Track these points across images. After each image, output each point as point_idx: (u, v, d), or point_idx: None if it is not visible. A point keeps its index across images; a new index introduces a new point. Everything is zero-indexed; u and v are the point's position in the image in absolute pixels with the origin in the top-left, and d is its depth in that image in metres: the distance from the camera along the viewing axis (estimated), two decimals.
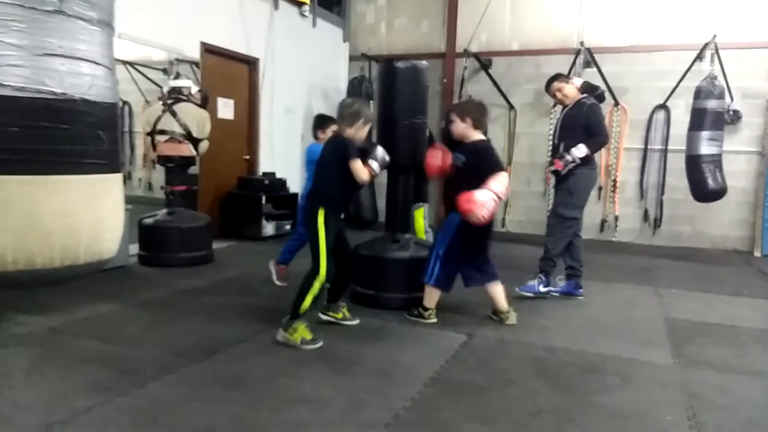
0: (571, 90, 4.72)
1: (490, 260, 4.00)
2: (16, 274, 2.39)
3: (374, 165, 3.56)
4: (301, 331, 3.37)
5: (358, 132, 3.58)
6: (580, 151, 4.53)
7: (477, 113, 3.83)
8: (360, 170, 3.47)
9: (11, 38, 2.28)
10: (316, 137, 4.82)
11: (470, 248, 3.87)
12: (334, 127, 4.67)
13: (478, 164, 3.72)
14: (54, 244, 2.39)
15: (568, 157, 4.54)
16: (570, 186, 4.66)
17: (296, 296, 3.41)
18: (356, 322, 3.86)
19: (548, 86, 4.85)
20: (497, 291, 3.98)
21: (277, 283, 4.78)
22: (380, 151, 3.63)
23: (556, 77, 4.83)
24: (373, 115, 3.69)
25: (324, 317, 3.83)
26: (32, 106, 2.32)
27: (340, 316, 3.84)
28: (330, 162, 3.54)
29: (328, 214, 3.47)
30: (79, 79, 2.41)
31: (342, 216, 3.74)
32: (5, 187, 2.33)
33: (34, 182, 2.36)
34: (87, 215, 2.50)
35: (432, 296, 3.92)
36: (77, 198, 2.45)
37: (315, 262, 3.43)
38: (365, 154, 3.57)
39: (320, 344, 3.37)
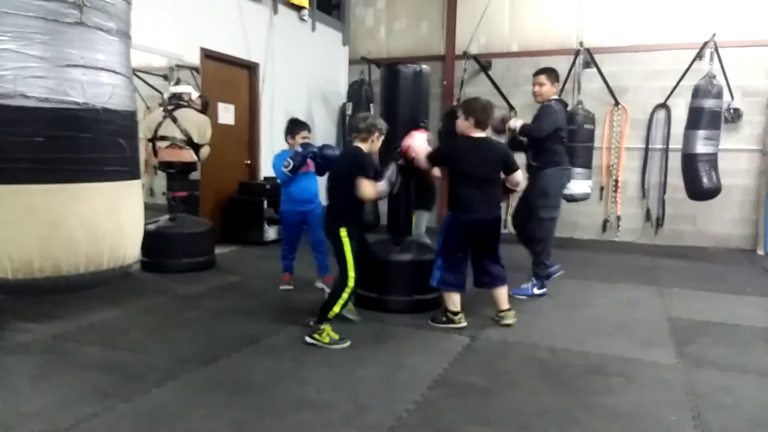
0: (548, 90, 4.78)
1: (497, 261, 3.98)
2: (43, 281, 2.42)
3: (382, 184, 3.58)
4: (329, 333, 3.47)
5: (373, 145, 3.65)
6: (514, 122, 4.74)
7: (481, 113, 3.86)
8: (366, 187, 3.49)
9: (34, 50, 2.31)
10: (287, 142, 4.79)
11: (460, 245, 3.88)
12: (305, 134, 4.69)
13: None
14: (79, 251, 2.42)
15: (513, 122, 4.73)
16: (543, 188, 4.73)
17: (325, 303, 3.52)
18: (358, 318, 3.94)
19: (537, 74, 4.89)
20: (501, 293, 3.99)
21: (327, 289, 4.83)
22: (391, 170, 3.67)
23: (549, 72, 4.85)
24: (386, 127, 3.72)
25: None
26: (56, 117, 2.36)
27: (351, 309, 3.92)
28: (348, 176, 3.55)
29: (351, 228, 3.54)
30: (100, 88, 2.45)
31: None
32: (31, 196, 2.36)
33: (59, 190, 2.40)
34: (110, 222, 2.53)
35: (452, 299, 3.91)
36: (100, 205, 2.49)
37: (343, 272, 3.53)
38: (377, 172, 3.63)
39: (348, 343, 3.46)
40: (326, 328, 3.48)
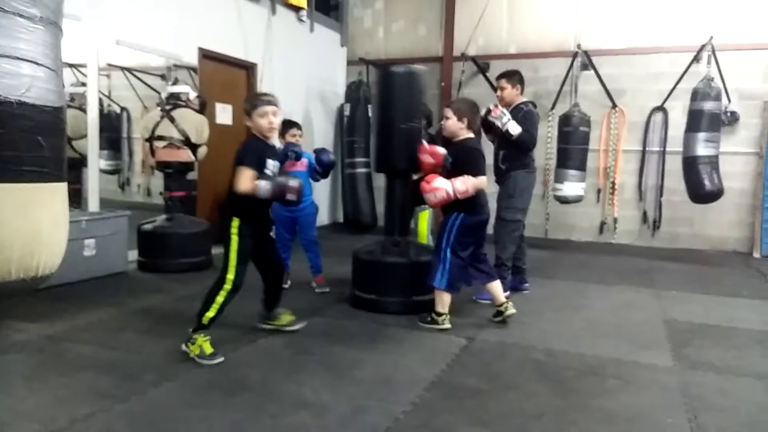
0: (510, 94, 4.74)
1: (486, 259, 4.04)
2: None
3: (262, 185, 3.20)
4: (201, 343, 3.18)
5: (256, 124, 3.33)
6: (515, 127, 4.56)
7: (472, 114, 3.91)
8: (243, 179, 3.17)
9: None
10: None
11: (468, 244, 3.89)
12: (293, 131, 4.67)
13: (462, 163, 3.82)
14: None
15: (505, 119, 4.56)
16: (509, 189, 4.71)
17: (201, 307, 3.26)
18: (301, 325, 3.75)
19: (498, 78, 4.86)
20: (495, 287, 4.02)
21: (317, 290, 4.85)
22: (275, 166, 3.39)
23: (509, 76, 4.79)
24: (266, 99, 3.38)
25: (265, 327, 3.73)
26: None
27: (279, 323, 3.71)
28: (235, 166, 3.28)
29: (242, 222, 3.28)
30: (15, 80, 2.18)
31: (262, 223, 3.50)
32: None
33: None
34: (21, 227, 2.27)
35: (443, 300, 3.89)
36: (10, 208, 2.22)
37: (222, 271, 3.30)
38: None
39: (220, 359, 3.16)
40: (198, 337, 3.18)
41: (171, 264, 5.41)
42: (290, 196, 3.25)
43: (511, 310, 3.98)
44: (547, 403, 2.81)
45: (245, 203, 3.26)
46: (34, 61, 2.30)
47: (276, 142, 3.53)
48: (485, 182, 3.82)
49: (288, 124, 4.72)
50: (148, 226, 5.53)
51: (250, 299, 4.35)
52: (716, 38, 7.09)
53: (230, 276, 3.25)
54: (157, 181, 6.02)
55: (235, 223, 3.27)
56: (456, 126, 3.88)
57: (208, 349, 3.18)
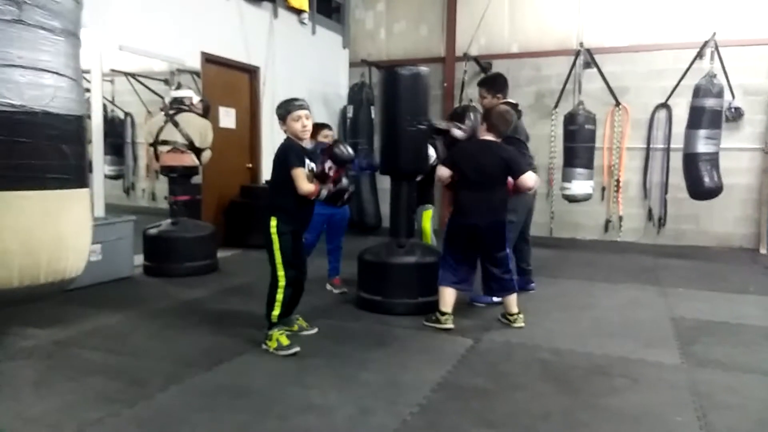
0: (489, 102, 4.59)
1: (502, 267, 3.94)
2: None
3: (324, 192, 3.44)
4: (277, 337, 3.41)
5: (291, 129, 3.47)
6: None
7: (496, 120, 3.91)
8: (302, 180, 3.35)
9: None
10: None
11: (457, 247, 3.93)
12: (326, 132, 4.75)
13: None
14: (12, 263, 2.22)
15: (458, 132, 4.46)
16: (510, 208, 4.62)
17: (266, 309, 3.46)
18: (314, 331, 3.81)
19: (479, 85, 4.80)
20: (510, 298, 4.00)
21: (335, 291, 4.87)
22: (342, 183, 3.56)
23: (487, 86, 4.72)
24: (296, 104, 3.51)
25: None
26: None
27: (295, 328, 3.76)
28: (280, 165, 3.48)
29: (279, 221, 3.42)
30: (40, 90, 2.27)
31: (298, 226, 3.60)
32: None
33: None
34: (48, 233, 2.35)
35: (443, 298, 3.90)
36: (37, 215, 2.30)
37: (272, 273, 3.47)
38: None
39: (296, 349, 3.38)
40: (274, 333, 3.42)
41: (176, 268, 5.42)
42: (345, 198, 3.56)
43: (520, 324, 3.96)
44: (554, 402, 2.80)
45: (288, 203, 3.42)
46: (57, 72, 2.38)
47: (307, 143, 3.68)
48: (440, 172, 3.94)
49: (320, 126, 4.75)
50: (153, 231, 5.54)
51: (256, 302, 4.36)
52: (719, 34, 7.08)
53: (281, 273, 3.42)
54: (162, 185, 6.05)
55: (274, 222, 3.40)
56: (480, 127, 4.01)
57: (285, 342, 3.40)
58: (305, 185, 3.35)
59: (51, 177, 2.36)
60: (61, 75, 2.38)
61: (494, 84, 4.75)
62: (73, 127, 2.45)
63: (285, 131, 3.51)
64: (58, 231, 2.38)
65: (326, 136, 4.71)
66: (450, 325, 3.87)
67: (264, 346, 3.43)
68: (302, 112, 3.44)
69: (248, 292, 4.87)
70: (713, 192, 6.76)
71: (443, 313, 3.89)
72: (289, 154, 3.40)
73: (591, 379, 3.11)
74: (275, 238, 3.40)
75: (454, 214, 3.99)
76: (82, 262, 2.54)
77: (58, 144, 2.38)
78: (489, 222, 3.84)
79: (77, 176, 2.50)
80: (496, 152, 3.86)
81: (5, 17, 2.21)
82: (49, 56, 2.34)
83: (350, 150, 3.57)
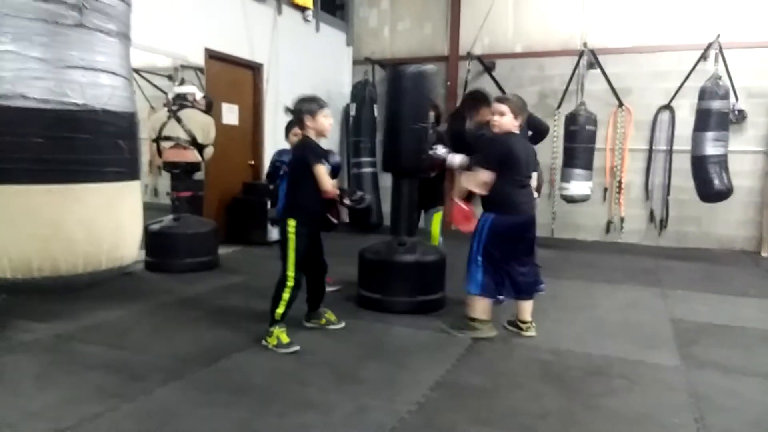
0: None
1: (525, 273, 3.71)
2: (41, 281, 2.44)
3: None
4: (277, 335, 3.41)
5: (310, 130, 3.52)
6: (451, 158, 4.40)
7: (522, 109, 3.68)
8: (326, 179, 3.39)
9: (34, 52, 2.35)
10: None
11: (504, 250, 3.62)
12: (296, 130, 4.67)
13: (479, 150, 3.84)
14: (77, 251, 2.45)
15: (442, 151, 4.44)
16: None
17: (270, 305, 3.46)
18: (342, 325, 3.84)
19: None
20: (527, 304, 3.80)
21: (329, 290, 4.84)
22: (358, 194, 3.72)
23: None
24: (318, 105, 3.56)
25: (308, 325, 3.85)
26: (55, 118, 2.39)
27: (323, 322, 3.83)
28: (299, 164, 3.50)
29: (298, 223, 3.43)
30: (99, 90, 2.47)
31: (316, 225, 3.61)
32: (30, 196, 2.39)
33: (58, 191, 2.43)
34: (108, 222, 2.56)
35: (477, 306, 3.68)
36: (99, 205, 2.52)
37: (282, 270, 3.48)
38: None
39: (296, 348, 3.37)
40: (275, 330, 3.41)
41: (178, 264, 5.43)
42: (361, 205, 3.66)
43: (532, 333, 3.78)
44: (553, 402, 2.81)
45: (308, 202, 3.44)
46: (113, 72, 2.58)
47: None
48: (484, 177, 3.56)
49: (291, 123, 4.72)
50: (155, 227, 5.55)
51: (256, 299, 4.38)
52: (723, 36, 7.06)
53: (290, 273, 3.43)
54: (164, 181, 6.05)
55: (292, 223, 3.42)
56: (511, 124, 3.59)
57: (285, 339, 3.40)
58: (328, 183, 3.37)
59: (110, 170, 2.61)
60: (116, 75, 2.59)
61: (473, 103, 4.63)
62: (128, 124, 2.67)
63: (307, 127, 3.49)
64: (117, 220, 2.62)
65: (296, 135, 4.67)
66: (493, 333, 3.72)
67: (264, 343, 3.44)
68: (329, 111, 3.51)
69: (249, 289, 4.88)
70: (723, 194, 6.74)
71: (473, 320, 3.70)
72: (311, 152, 3.42)
73: (589, 379, 3.12)
74: (292, 237, 3.41)
75: (500, 212, 3.59)
76: (136, 249, 2.75)
77: (116, 140, 2.58)
78: (534, 215, 3.75)
79: (131, 169, 2.74)
80: (527, 144, 3.82)
81: (67, 21, 2.37)
82: (106, 57, 2.54)
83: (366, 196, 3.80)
